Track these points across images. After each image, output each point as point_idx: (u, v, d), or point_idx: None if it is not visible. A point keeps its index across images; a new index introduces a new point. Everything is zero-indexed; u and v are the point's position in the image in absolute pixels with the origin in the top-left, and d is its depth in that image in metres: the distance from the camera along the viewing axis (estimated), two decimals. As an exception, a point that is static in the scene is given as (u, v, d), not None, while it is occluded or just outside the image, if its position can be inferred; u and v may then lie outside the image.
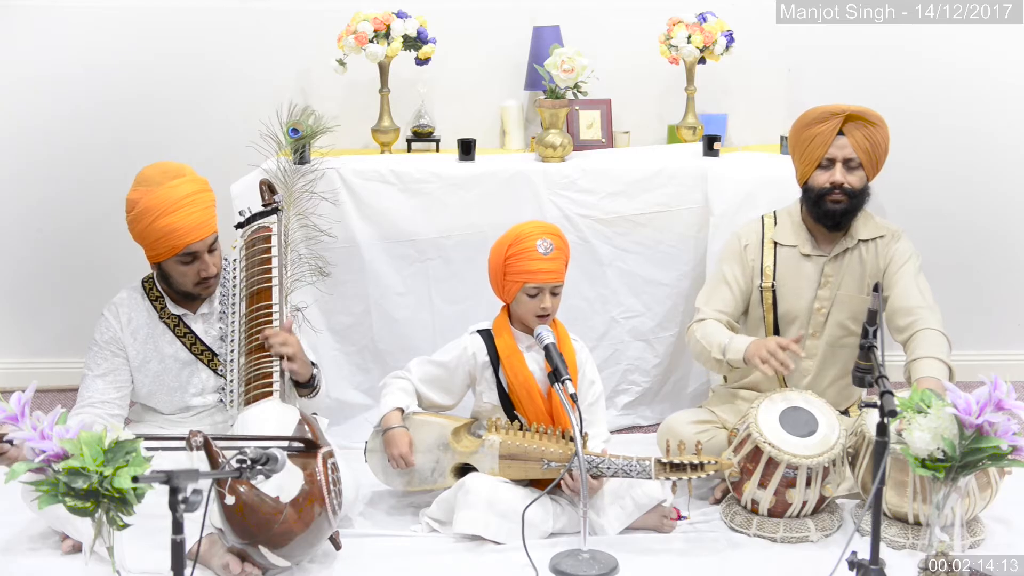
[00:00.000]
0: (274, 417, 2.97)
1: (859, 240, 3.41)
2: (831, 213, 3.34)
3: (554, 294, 3.19)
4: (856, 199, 3.34)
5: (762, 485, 3.06)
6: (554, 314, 3.23)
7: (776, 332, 3.46)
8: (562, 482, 3.03)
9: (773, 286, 3.43)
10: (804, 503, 3.06)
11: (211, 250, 3.20)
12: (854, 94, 4.33)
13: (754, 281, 3.45)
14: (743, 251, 3.46)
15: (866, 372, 2.67)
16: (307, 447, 2.81)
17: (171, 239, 3.11)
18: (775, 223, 3.48)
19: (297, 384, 3.17)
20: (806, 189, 3.40)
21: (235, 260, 3.32)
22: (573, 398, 2.96)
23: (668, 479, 3.03)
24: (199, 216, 3.14)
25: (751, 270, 3.45)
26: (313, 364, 3.23)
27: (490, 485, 3.07)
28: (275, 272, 3.24)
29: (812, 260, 3.43)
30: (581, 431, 2.95)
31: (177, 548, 2.06)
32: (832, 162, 3.32)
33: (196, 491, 2.08)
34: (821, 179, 3.33)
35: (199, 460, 2.66)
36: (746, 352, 3.18)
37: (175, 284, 3.23)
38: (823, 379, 3.45)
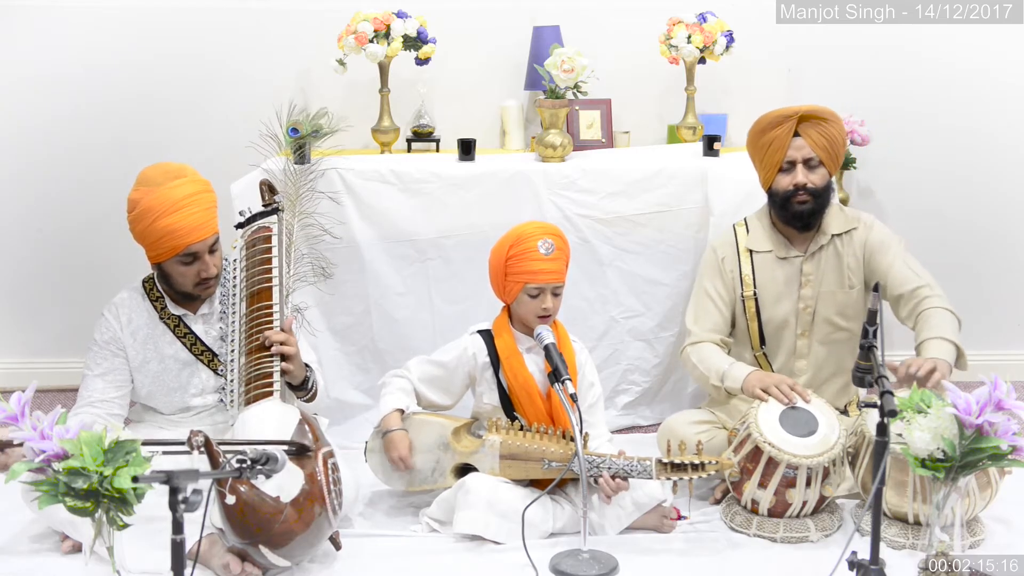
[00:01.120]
0: (274, 417, 2.96)
1: (832, 235, 3.42)
2: (799, 214, 3.36)
3: (555, 294, 3.19)
4: (821, 197, 3.36)
5: (762, 485, 3.06)
6: (555, 315, 3.23)
7: (762, 340, 3.46)
8: (601, 485, 3.02)
9: (755, 294, 3.44)
10: (804, 503, 3.06)
11: (212, 251, 3.20)
12: (854, 94, 4.36)
13: (736, 292, 3.46)
14: (721, 264, 3.47)
15: (866, 372, 2.67)
16: (300, 451, 2.80)
17: (172, 239, 3.11)
18: (747, 231, 3.50)
19: (291, 387, 3.17)
20: (771, 193, 3.42)
21: (235, 260, 3.32)
22: (573, 398, 2.96)
23: (669, 479, 3.03)
24: (200, 216, 3.14)
25: (732, 281, 3.46)
26: (308, 367, 3.23)
27: (490, 485, 3.07)
28: (275, 272, 3.24)
29: (789, 262, 3.44)
30: (581, 431, 2.95)
31: (177, 548, 2.06)
32: (792, 164, 3.34)
33: (196, 491, 2.08)
34: (784, 182, 3.35)
35: (199, 460, 2.66)
36: (745, 382, 3.21)
37: (175, 284, 3.23)
38: (818, 378, 3.45)
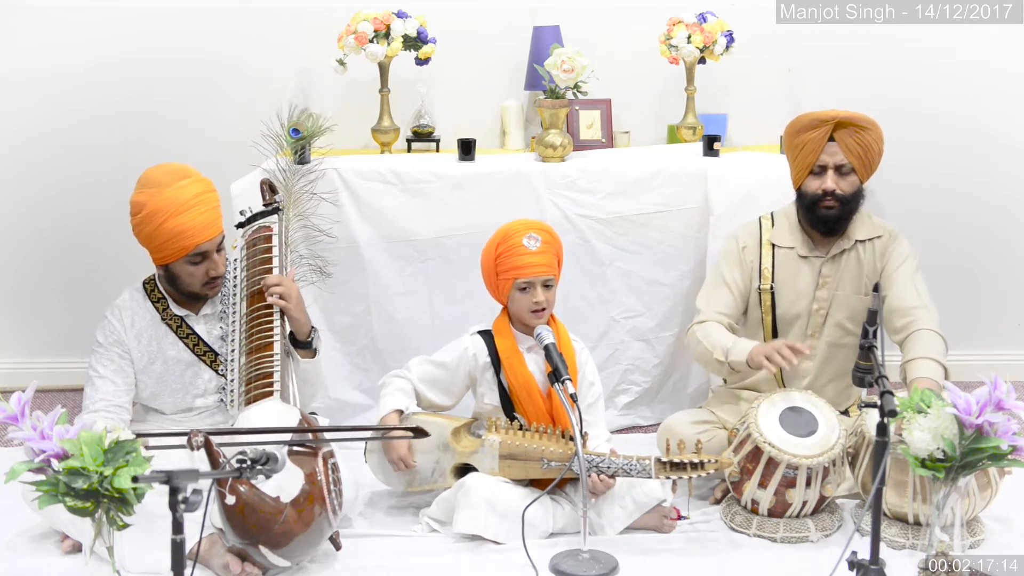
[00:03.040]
0: (274, 417, 2.97)
1: (856, 240, 3.41)
2: (824, 219, 3.35)
3: (547, 287, 3.18)
4: (849, 205, 3.34)
5: (762, 485, 3.06)
6: (550, 309, 3.22)
7: (775, 334, 3.46)
8: (589, 483, 3.02)
9: (772, 288, 3.43)
10: (804, 503, 3.06)
11: (218, 250, 3.21)
12: (854, 94, 4.35)
13: (752, 283, 3.45)
14: (741, 253, 3.46)
15: (866, 372, 2.67)
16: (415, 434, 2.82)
17: (181, 240, 3.12)
18: (772, 225, 3.49)
19: (296, 344, 3.16)
20: (800, 194, 3.41)
21: (236, 260, 3.32)
22: (573, 398, 2.96)
23: (668, 478, 3.03)
24: (208, 216, 3.15)
25: (750, 272, 3.45)
26: (313, 328, 3.24)
27: (490, 485, 3.07)
28: (276, 272, 3.24)
29: (809, 261, 3.43)
30: (581, 430, 2.95)
31: (177, 548, 2.06)
32: (824, 168, 3.33)
33: (196, 491, 2.08)
34: (813, 186, 3.34)
35: (199, 460, 2.66)
36: (750, 354, 3.19)
37: (182, 285, 3.23)
38: (822, 379, 3.45)
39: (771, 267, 3.44)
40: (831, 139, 3.31)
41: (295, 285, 3.17)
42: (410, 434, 2.83)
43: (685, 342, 3.50)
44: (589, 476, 3.02)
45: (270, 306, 3.17)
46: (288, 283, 3.14)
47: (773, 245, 3.45)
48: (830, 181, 3.31)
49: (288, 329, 3.18)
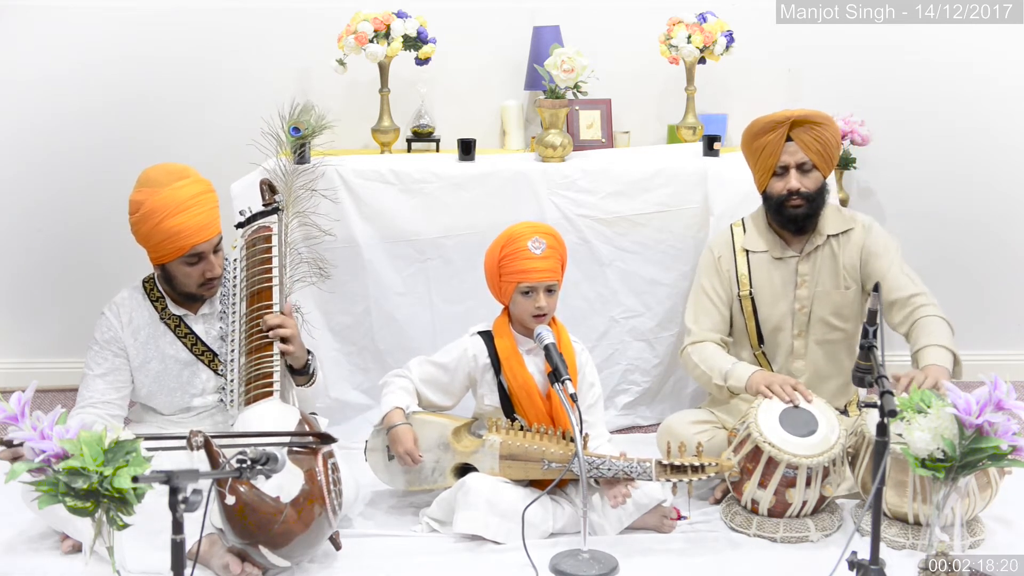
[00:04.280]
0: (274, 417, 2.97)
1: (828, 236, 3.42)
2: (793, 218, 3.37)
3: (549, 291, 3.19)
4: (815, 201, 3.37)
5: (762, 485, 3.06)
6: (551, 314, 3.23)
7: (760, 339, 3.47)
8: (612, 493, 3.02)
9: (751, 293, 3.44)
10: (804, 503, 3.06)
11: (215, 251, 3.21)
12: (854, 94, 4.37)
13: (732, 291, 3.46)
14: (717, 263, 3.48)
15: (866, 372, 2.67)
16: (321, 440, 2.81)
17: (177, 240, 3.11)
18: (744, 231, 3.50)
19: (293, 372, 3.17)
20: (765, 197, 3.43)
21: (235, 260, 3.32)
22: (573, 398, 2.96)
23: (668, 480, 3.03)
24: (205, 217, 3.15)
25: (728, 280, 3.47)
26: (309, 352, 3.24)
27: (490, 485, 3.07)
28: (275, 272, 3.24)
29: (785, 262, 3.44)
30: (581, 431, 2.95)
31: (177, 548, 2.06)
32: (786, 169, 3.35)
33: (196, 491, 2.08)
34: (778, 187, 3.36)
35: (199, 460, 2.66)
36: (749, 381, 3.21)
37: (179, 285, 3.23)
38: (816, 378, 3.45)
39: (747, 273, 3.45)
40: (788, 139, 3.33)
41: (293, 320, 3.16)
42: (319, 440, 2.83)
43: (681, 362, 3.52)
44: (613, 487, 3.02)
45: (270, 306, 3.17)
46: (289, 322, 3.13)
47: (747, 251, 3.47)
48: (794, 180, 3.33)
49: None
